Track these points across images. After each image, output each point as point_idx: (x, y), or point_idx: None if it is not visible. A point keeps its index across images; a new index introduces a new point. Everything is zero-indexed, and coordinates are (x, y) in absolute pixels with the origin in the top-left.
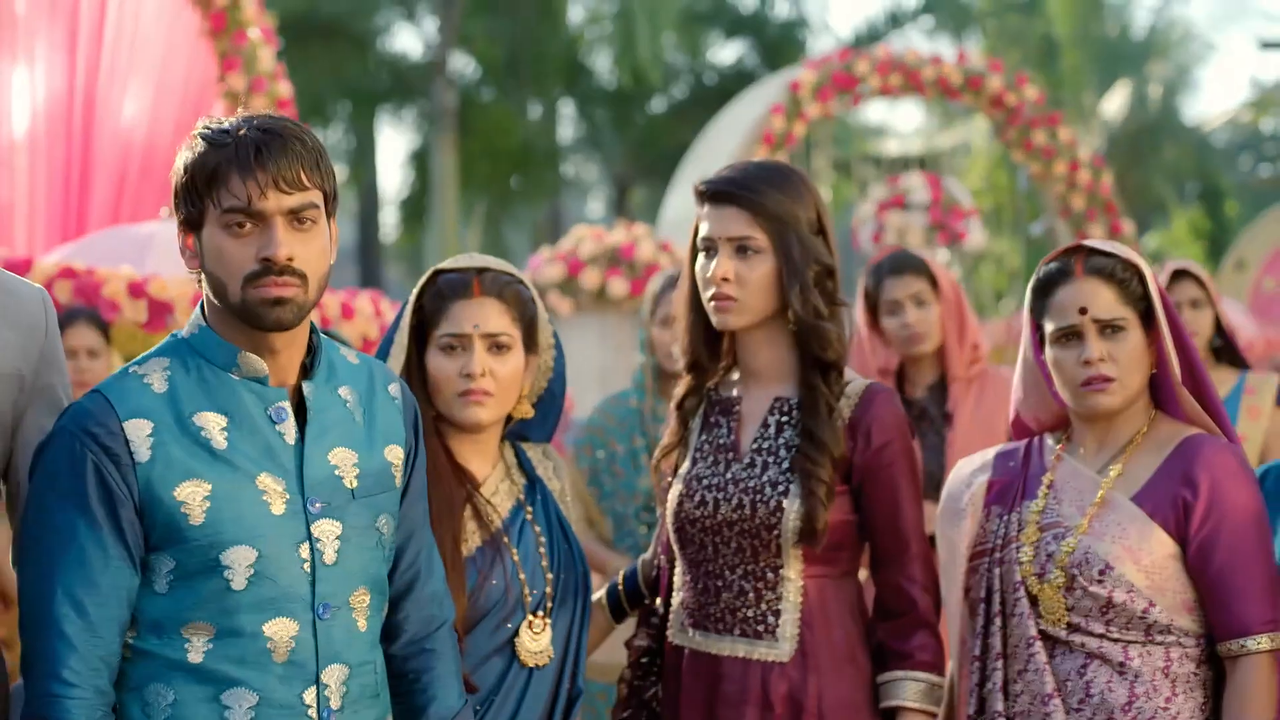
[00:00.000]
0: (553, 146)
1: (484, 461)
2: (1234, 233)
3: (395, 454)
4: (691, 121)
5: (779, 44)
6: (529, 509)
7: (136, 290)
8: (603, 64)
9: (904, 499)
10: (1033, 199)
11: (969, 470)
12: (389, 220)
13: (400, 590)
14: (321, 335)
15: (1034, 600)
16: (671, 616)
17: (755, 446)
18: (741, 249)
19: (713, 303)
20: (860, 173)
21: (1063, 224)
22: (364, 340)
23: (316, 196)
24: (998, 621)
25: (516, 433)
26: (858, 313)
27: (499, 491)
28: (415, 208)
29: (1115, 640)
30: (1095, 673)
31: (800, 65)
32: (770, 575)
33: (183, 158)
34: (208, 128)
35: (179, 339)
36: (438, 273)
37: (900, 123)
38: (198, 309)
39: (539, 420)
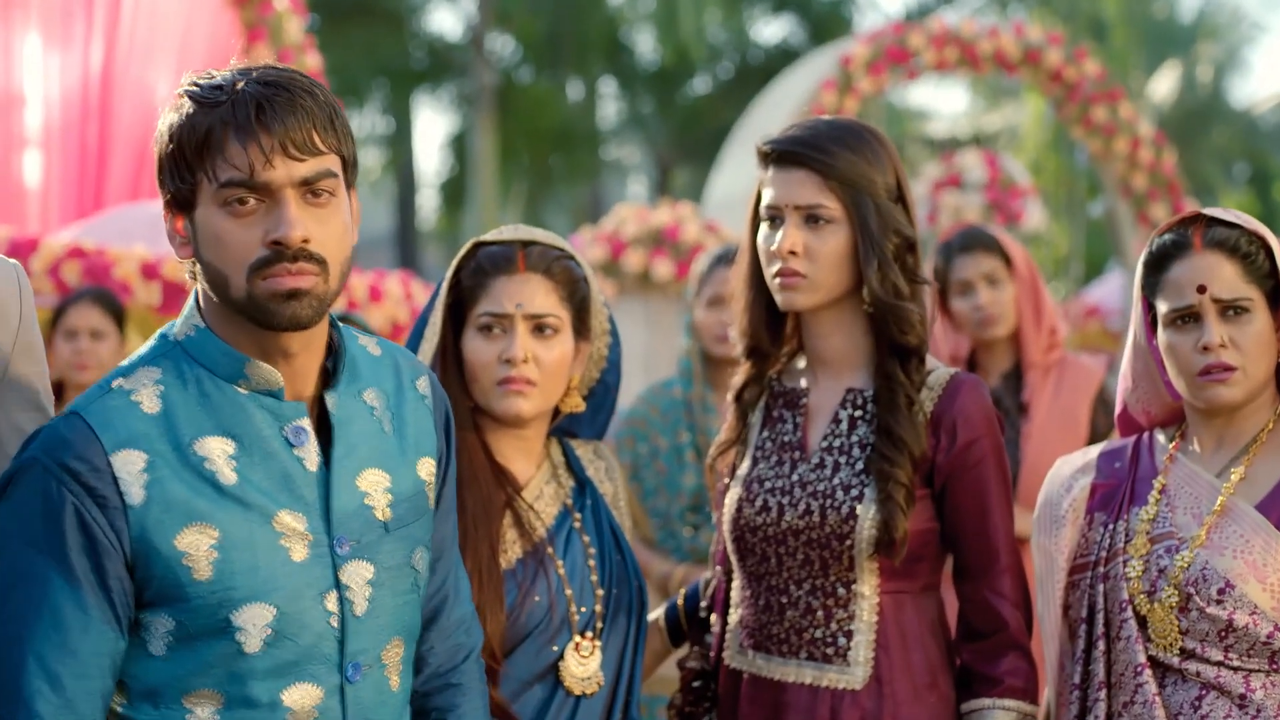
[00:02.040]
0: (593, 127)
1: (527, 461)
2: None
3: (428, 468)
4: (735, 101)
5: (826, 21)
6: (577, 515)
7: (150, 271)
8: (645, 43)
9: (993, 504)
10: (1091, 178)
11: (1069, 471)
12: (427, 204)
13: (425, 618)
14: (341, 327)
15: (1143, 622)
16: (728, 636)
17: (825, 445)
18: (812, 218)
19: (778, 279)
20: (911, 153)
21: (1124, 204)
22: (393, 325)
23: (333, 162)
24: (1101, 645)
25: (564, 429)
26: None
27: (543, 495)
28: (454, 190)
29: (1235, 669)
30: (1212, 706)
31: (850, 40)
32: (842, 591)
33: (167, 122)
34: (196, 83)
35: (170, 342)
36: (478, 245)
37: (944, 105)
38: (190, 304)
39: (590, 415)
